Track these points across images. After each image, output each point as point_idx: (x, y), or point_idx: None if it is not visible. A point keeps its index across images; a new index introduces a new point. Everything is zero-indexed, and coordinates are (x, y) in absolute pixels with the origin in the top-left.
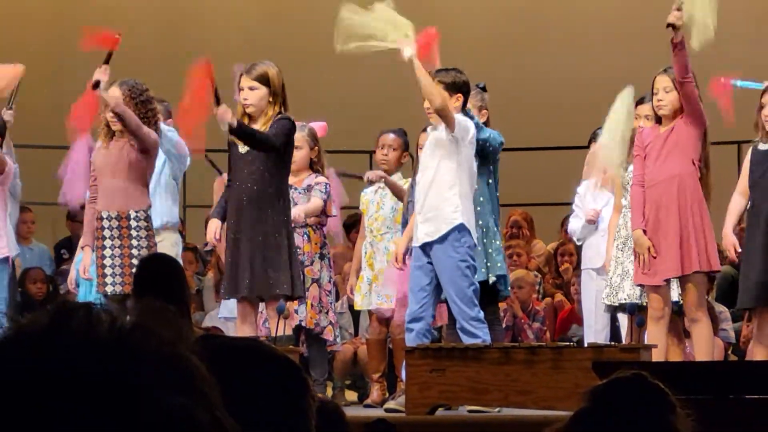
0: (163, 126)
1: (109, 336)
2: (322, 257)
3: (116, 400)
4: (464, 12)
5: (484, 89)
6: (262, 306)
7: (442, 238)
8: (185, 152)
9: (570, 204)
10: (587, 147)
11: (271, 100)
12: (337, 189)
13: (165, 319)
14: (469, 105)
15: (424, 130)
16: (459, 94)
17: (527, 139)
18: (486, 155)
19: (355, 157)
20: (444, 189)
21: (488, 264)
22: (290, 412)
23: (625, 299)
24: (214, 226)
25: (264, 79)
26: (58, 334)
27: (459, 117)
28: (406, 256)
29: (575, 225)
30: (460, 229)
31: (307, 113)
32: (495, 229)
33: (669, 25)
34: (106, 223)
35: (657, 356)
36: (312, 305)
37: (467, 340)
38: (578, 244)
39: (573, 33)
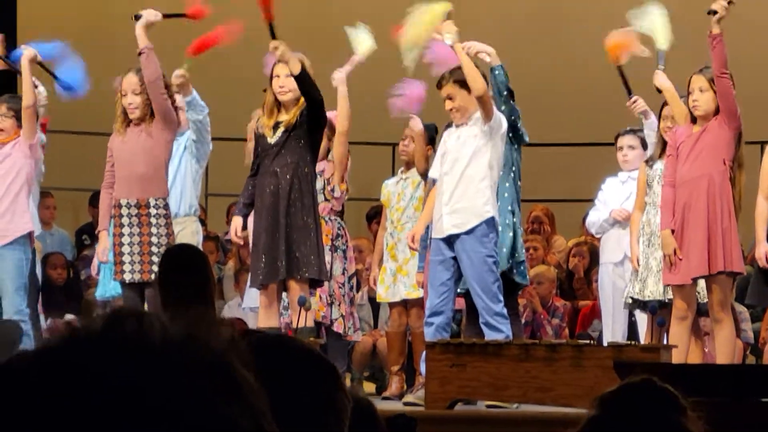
0: (196, 96)
1: (160, 345)
2: (334, 249)
3: (165, 409)
4: (491, 7)
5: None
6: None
7: (470, 231)
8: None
9: (592, 201)
10: (612, 144)
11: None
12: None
13: (216, 330)
14: None
15: (448, 125)
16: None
17: (550, 135)
18: (517, 135)
19: (378, 149)
20: (476, 181)
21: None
22: (324, 410)
23: (648, 296)
24: (237, 224)
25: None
26: (110, 341)
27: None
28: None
29: (594, 218)
30: (489, 222)
31: (329, 104)
32: (516, 222)
33: (711, 12)
34: (125, 211)
35: (678, 356)
36: (321, 297)
37: (491, 335)
38: (597, 236)
39: (597, 30)
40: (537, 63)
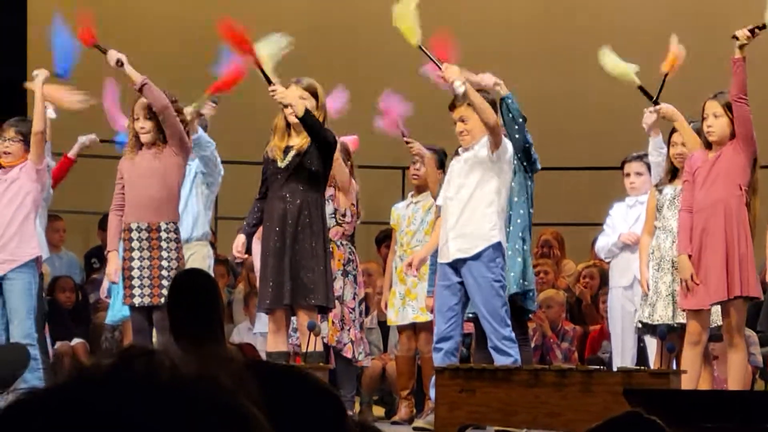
0: (202, 134)
1: (169, 383)
2: (345, 274)
3: None
4: (495, 26)
5: None
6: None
7: (477, 256)
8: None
9: (601, 224)
10: (620, 168)
11: (317, 112)
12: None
13: (227, 368)
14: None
15: (456, 153)
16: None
17: (560, 158)
18: (531, 163)
19: (388, 172)
20: (482, 206)
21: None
22: None
23: (658, 320)
24: (239, 240)
25: (312, 90)
26: (120, 379)
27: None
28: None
29: (603, 243)
30: (496, 247)
31: (341, 127)
32: (526, 249)
33: (734, 36)
34: (135, 235)
35: (689, 381)
36: (333, 322)
37: (499, 359)
38: (606, 261)
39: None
40: (545, 87)
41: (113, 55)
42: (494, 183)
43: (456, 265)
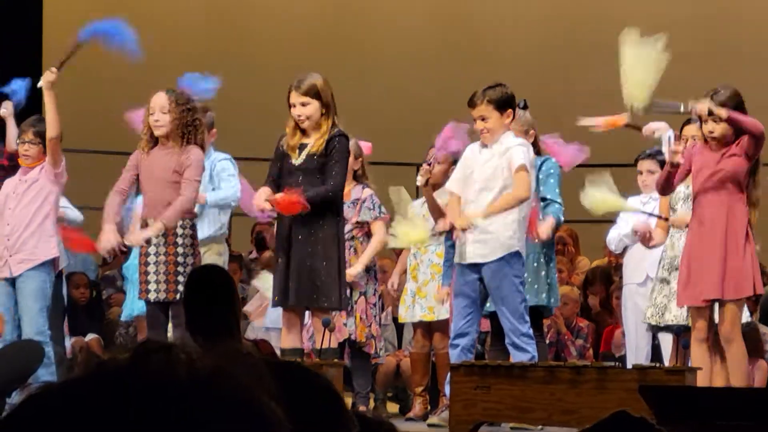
0: (217, 154)
1: (187, 379)
2: (368, 270)
3: None
4: (513, 26)
5: (525, 107)
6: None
7: (497, 259)
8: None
9: (615, 221)
10: (634, 165)
11: (323, 112)
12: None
13: (243, 363)
14: (513, 127)
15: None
16: (509, 110)
17: None
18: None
19: (401, 169)
20: (503, 214)
21: (537, 287)
22: None
23: (672, 320)
24: (265, 192)
25: (314, 92)
26: (137, 374)
27: (522, 153)
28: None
29: (613, 234)
30: (515, 254)
31: (354, 124)
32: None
33: (697, 115)
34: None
35: (701, 378)
36: (361, 318)
37: (517, 355)
38: (616, 252)
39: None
40: (560, 82)
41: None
42: None
43: (473, 265)
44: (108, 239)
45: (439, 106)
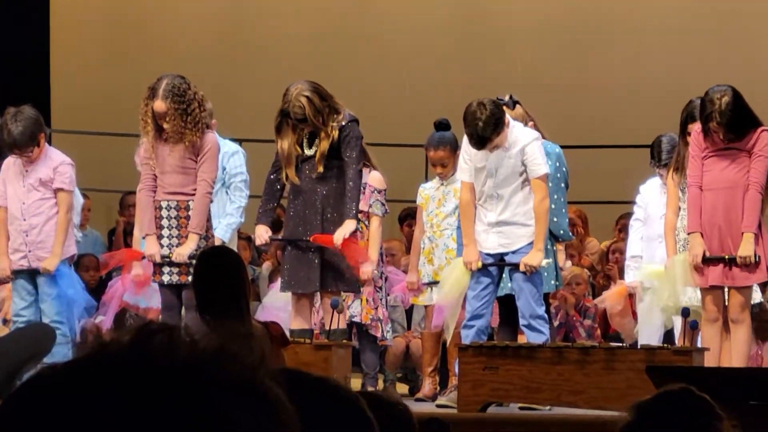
0: (226, 145)
1: (189, 359)
2: None
3: (192, 424)
4: (525, 9)
5: (514, 105)
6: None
7: (520, 248)
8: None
9: (626, 203)
10: (646, 146)
11: (323, 113)
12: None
13: (247, 345)
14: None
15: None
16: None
17: (584, 136)
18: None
19: (410, 150)
20: (523, 206)
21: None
22: None
23: (686, 302)
24: (263, 231)
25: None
26: (138, 355)
27: (536, 153)
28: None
29: (633, 238)
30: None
31: (363, 106)
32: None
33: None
34: (164, 213)
35: (710, 359)
36: (367, 301)
37: (533, 337)
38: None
39: (634, 31)
40: (573, 64)
41: None
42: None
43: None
44: (152, 255)
45: (453, 101)
